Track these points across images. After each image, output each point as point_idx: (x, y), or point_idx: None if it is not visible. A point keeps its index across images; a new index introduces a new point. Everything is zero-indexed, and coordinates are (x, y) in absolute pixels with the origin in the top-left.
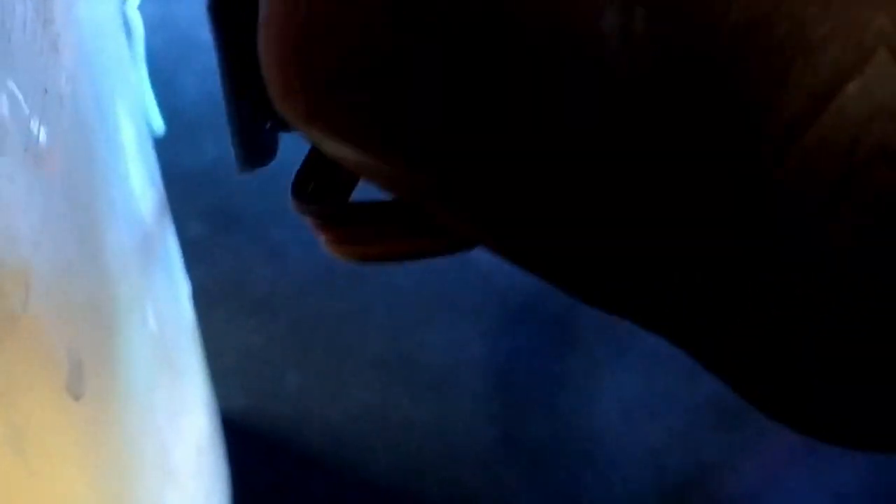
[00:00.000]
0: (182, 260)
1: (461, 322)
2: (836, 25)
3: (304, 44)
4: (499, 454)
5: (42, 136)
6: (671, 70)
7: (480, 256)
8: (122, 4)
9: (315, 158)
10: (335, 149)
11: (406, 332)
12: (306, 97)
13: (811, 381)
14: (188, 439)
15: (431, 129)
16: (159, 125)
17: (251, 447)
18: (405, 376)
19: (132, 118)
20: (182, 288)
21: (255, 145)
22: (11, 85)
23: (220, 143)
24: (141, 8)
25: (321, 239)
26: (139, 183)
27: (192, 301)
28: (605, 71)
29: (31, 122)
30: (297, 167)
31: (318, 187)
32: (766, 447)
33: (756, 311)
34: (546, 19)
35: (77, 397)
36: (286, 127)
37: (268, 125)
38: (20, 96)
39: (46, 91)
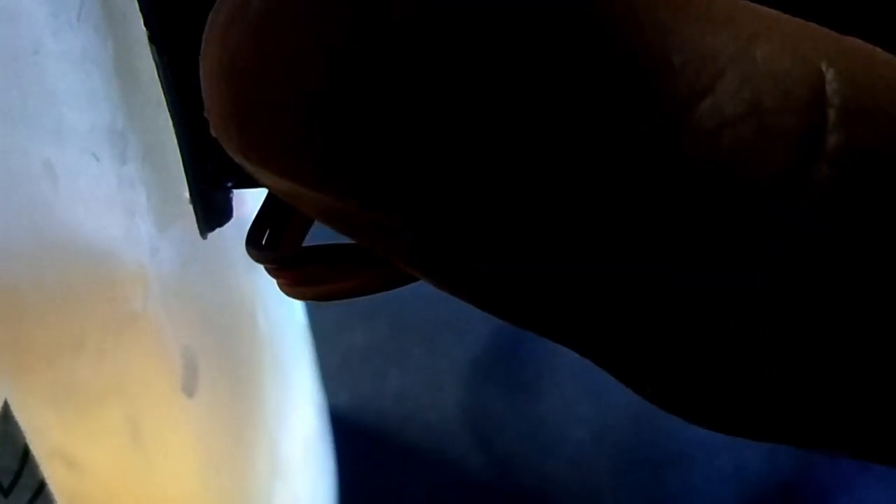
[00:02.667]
0: None
1: None
2: (692, 54)
3: (236, 62)
4: (587, 453)
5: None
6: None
7: None
8: None
9: (268, 207)
10: (273, 182)
11: (501, 337)
12: (239, 123)
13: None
14: (296, 434)
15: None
16: None
17: (354, 442)
18: (500, 379)
19: None
20: None
21: (216, 207)
22: (131, 102)
23: None
24: None
25: (277, 283)
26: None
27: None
28: None
29: (148, 133)
30: None
31: (273, 234)
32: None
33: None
34: None
35: (191, 394)
36: (249, 183)
37: (229, 184)
38: (143, 111)
39: None
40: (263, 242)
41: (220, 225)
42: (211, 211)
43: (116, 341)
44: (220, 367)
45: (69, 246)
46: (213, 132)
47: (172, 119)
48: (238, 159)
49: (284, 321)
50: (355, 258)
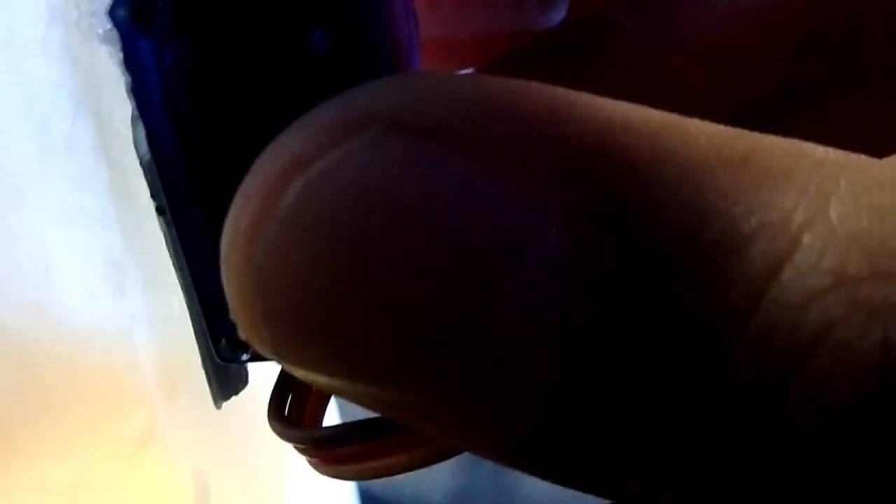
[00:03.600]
0: None
1: None
2: (762, 220)
3: (267, 276)
4: None
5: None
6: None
7: None
8: None
9: (288, 374)
10: (312, 378)
11: None
12: (277, 334)
13: None
14: None
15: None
16: None
17: None
18: None
19: None
20: None
21: (231, 378)
22: (129, 226)
23: None
24: None
25: (308, 462)
26: None
27: None
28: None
29: (148, 259)
30: None
31: (297, 400)
32: None
33: None
34: None
35: None
36: (263, 357)
37: (244, 357)
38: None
39: None
40: (286, 412)
41: (236, 393)
42: (225, 382)
43: (121, 473)
44: (234, 485)
45: (65, 387)
46: (241, 335)
47: (184, 293)
48: (273, 359)
49: None
50: (395, 433)
